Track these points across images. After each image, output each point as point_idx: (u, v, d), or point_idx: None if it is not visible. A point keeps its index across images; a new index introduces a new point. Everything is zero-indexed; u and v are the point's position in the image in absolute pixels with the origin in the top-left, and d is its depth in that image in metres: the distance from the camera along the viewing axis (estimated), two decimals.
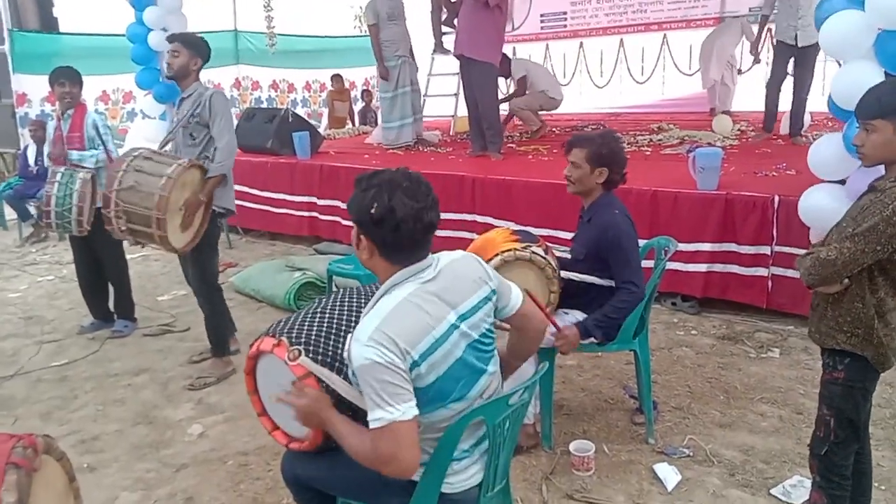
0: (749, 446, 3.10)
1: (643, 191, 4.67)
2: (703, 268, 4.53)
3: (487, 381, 1.89)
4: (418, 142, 7.63)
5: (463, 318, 1.81)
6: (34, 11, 9.18)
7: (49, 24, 9.33)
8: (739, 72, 8.46)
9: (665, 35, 10.38)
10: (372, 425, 1.65)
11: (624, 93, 10.76)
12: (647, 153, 6.35)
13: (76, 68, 4.66)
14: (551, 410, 3.13)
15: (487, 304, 1.89)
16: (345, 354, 1.83)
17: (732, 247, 4.47)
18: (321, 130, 8.92)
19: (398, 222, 1.70)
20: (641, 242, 3.25)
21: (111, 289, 4.89)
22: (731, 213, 4.45)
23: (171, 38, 4.08)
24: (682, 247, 3.83)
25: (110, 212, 3.69)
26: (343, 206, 6.42)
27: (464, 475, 1.86)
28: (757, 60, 7.58)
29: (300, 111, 10.52)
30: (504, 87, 8.78)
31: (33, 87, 8.72)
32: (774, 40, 6.72)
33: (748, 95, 8.85)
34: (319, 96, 12.10)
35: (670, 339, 4.30)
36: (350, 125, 10.64)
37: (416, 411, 1.66)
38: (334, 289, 4.76)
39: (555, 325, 2.84)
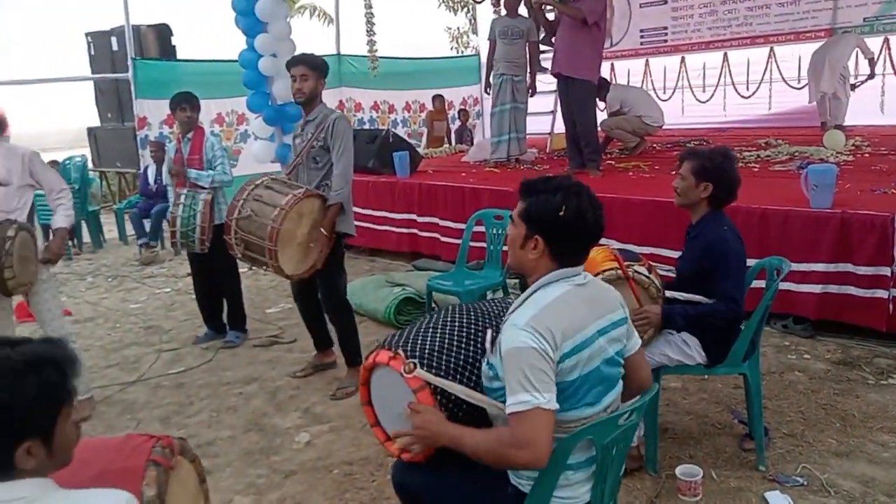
0: (869, 477, 2.94)
1: (752, 209, 4.52)
2: (817, 289, 4.33)
3: (615, 397, 1.91)
4: (515, 159, 7.64)
5: (603, 331, 1.86)
6: (155, 41, 9.74)
7: (168, 53, 9.85)
8: (853, 87, 8.07)
9: (772, 48, 10.02)
10: (514, 409, 1.69)
11: (728, 108, 10.44)
12: (756, 170, 6.14)
13: (194, 93, 4.92)
14: (657, 433, 3.07)
15: (622, 328, 1.94)
16: (458, 364, 1.90)
17: (849, 267, 4.26)
18: (420, 149, 9.09)
19: (584, 225, 1.81)
20: (752, 262, 3.16)
21: (225, 301, 5.14)
22: (847, 233, 4.25)
23: (296, 61, 3.99)
24: (794, 266, 3.70)
25: (230, 238, 3.83)
26: (441, 222, 6.52)
27: (575, 491, 1.86)
28: (871, 76, 7.22)
29: (400, 131, 10.75)
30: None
31: (153, 111, 9.25)
32: None
33: (861, 110, 8.42)
34: (419, 116, 12.35)
35: (781, 362, 4.13)
36: (447, 144, 10.80)
37: (557, 405, 1.71)
38: (434, 305, 4.84)
39: (637, 298, 2.80)
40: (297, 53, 4.43)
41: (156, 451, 1.62)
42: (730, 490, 2.92)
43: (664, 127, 8.30)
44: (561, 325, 1.75)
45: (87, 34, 10.33)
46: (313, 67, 3.95)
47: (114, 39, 9.85)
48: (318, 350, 4.47)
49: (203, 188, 4.77)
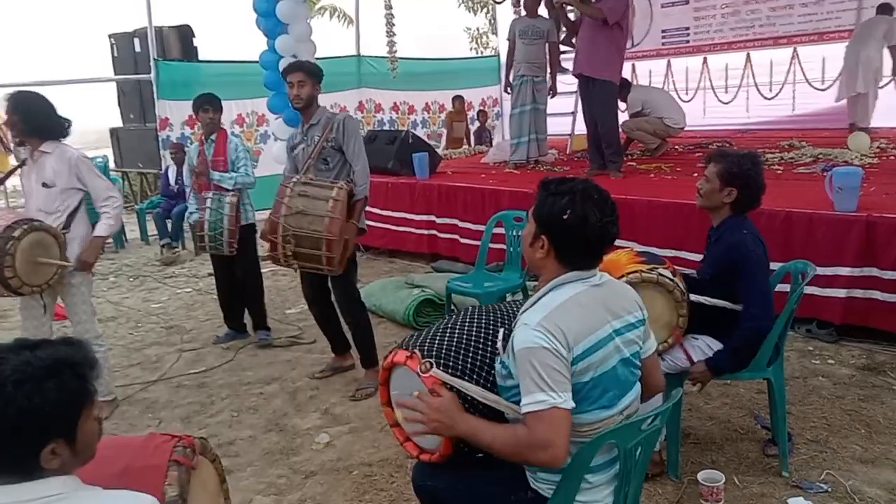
0: (895, 485, 2.89)
1: (775, 211, 4.47)
2: (841, 293, 4.27)
3: (632, 400, 1.90)
4: (535, 161, 7.61)
5: (618, 332, 1.84)
6: (177, 42, 9.82)
7: (189, 54, 9.92)
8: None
9: (795, 49, 9.92)
10: (530, 408, 1.69)
11: (751, 109, 10.34)
12: (779, 172, 6.08)
13: (216, 94, 4.92)
14: (678, 438, 3.04)
15: (639, 329, 1.92)
16: (475, 364, 1.90)
17: (874, 271, 4.19)
18: (439, 151, 9.09)
19: (586, 231, 1.80)
20: (776, 266, 3.12)
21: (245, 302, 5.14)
22: (873, 236, 4.18)
23: (294, 68, 4.03)
24: (819, 270, 3.64)
25: (277, 237, 3.73)
26: (461, 224, 6.51)
27: (596, 495, 1.84)
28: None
29: (420, 132, 10.78)
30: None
31: (175, 112, 9.34)
32: None
33: (886, 111, 8.30)
34: (438, 117, 12.37)
35: (805, 367, 4.08)
36: (466, 145, 10.80)
37: (573, 404, 1.71)
38: (453, 306, 4.83)
39: (689, 358, 2.83)
40: (292, 61, 4.41)
41: (178, 451, 1.63)
42: (752, 496, 2.89)
43: (686, 128, 8.24)
44: (573, 326, 1.75)
45: (110, 35, 10.45)
46: (310, 73, 3.99)
47: (136, 41, 9.95)
48: (335, 353, 4.48)
49: (228, 190, 4.78)
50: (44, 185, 3.75)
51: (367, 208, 7.05)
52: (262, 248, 4.53)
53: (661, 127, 7.80)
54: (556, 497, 1.81)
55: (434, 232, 6.87)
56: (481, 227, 5.55)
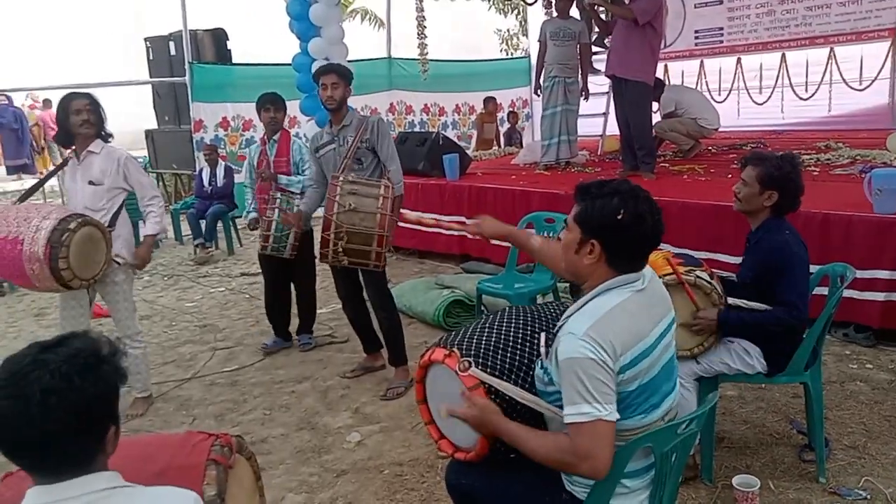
0: None
1: (812, 214, 4.39)
2: (880, 296, 4.19)
3: (673, 402, 1.88)
4: (566, 162, 7.57)
5: (661, 336, 1.83)
6: (211, 45, 9.94)
7: (223, 57, 10.04)
8: None
9: (832, 49, 9.74)
10: (573, 419, 1.67)
11: (786, 110, 10.17)
12: (815, 173, 5.97)
13: (280, 94, 4.81)
14: (713, 442, 3.00)
15: (672, 329, 1.90)
16: (513, 364, 1.90)
17: None
18: (469, 152, 9.09)
19: (642, 229, 1.77)
20: (814, 268, 3.06)
21: (294, 306, 5.07)
22: None
23: (326, 70, 4.09)
24: (857, 273, 3.57)
25: (330, 234, 3.77)
26: None
27: (633, 500, 1.83)
28: None
29: (450, 133, 10.79)
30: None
31: (209, 114, 9.47)
32: None
33: None
34: (469, 119, 12.36)
35: (842, 372, 4.00)
36: (496, 147, 10.78)
37: (618, 416, 1.69)
38: (483, 307, 4.83)
39: (694, 302, 2.74)
40: (323, 63, 4.47)
41: (215, 450, 1.65)
42: (789, 502, 2.84)
43: (719, 129, 8.13)
44: (621, 335, 1.72)
45: (146, 39, 10.63)
46: (342, 76, 4.07)
47: (172, 44, 10.12)
48: (367, 352, 4.50)
49: (294, 193, 4.71)
50: (90, 183, 3.81)
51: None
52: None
53: (695, 128, 7.71)
54: (590, 499, 1.80)
55: (464, 233, 6.85)
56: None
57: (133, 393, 4.15)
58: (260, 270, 5.20)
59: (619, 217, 1.77)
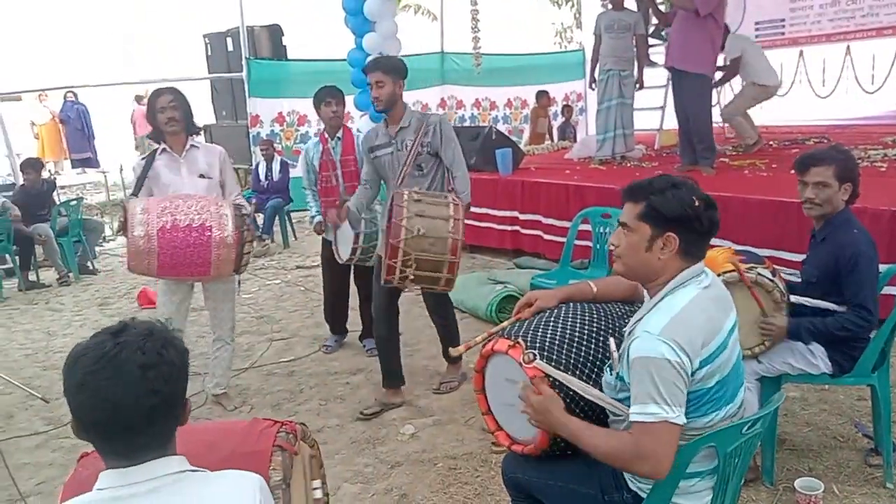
0: None
1: (880, 211, 4.24)
2: None
3: (743, 395, 1.88)
4: (622, 157, 7.47)
5: (731, 331, 1.82)
6: (267, 41, 10.10)
7: (279, 53, 10.19)
8: None
9: None
10: (640, 418, 1.67)
11: (850, 103, 9.85)
12: (882, 169, 5.77)
13: (338, 87, 4.54)
14: (774, 444, 2.94)
15: (736, 326, 1.88)
16: (578, 359, 1.90)
17: None
18: (521, 146, 9.04)
19: (714, 214, 1.81)
20: (883, 267, 2.96)
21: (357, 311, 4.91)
22: None
23: (371, 67, 3.78)
24: None
25: (396, 262, 3.40)
26: (545, 220, 6.46)
27: (698, 500, 1.80)
28: None
29: (501, 128, 10.74)
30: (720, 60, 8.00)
31: (265, 109, 9.63)
32: None
33: None
34: (521, 113, 12.28)
35: None
36: (549, 141, 10.70)
37: (685, 420, 1.69)
38: None
39: (757, 300, 2.68)
40: (372, 58, 4.20)
41: (281, 437, 1.68)
42: None
43: (782, 125, 7.90)
44: (699, 333, 1.71)
45: (204, 35, 10.84)
46: (388, 71, 3.72)
47: (229, 40, 10.29)
48: (386, 387, 4.00)
49: None
50: (201, 176, 3.86)
51: None
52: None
53: (756, 91, 7.44)
54: (650, 498, 1.78)
55: (517, 228, 6.84)
56: (565, 224, 5.48)
57: (210, 388, 4.15)
58: (317, 264, 5.21)
59: (697, 204, 1.79)
